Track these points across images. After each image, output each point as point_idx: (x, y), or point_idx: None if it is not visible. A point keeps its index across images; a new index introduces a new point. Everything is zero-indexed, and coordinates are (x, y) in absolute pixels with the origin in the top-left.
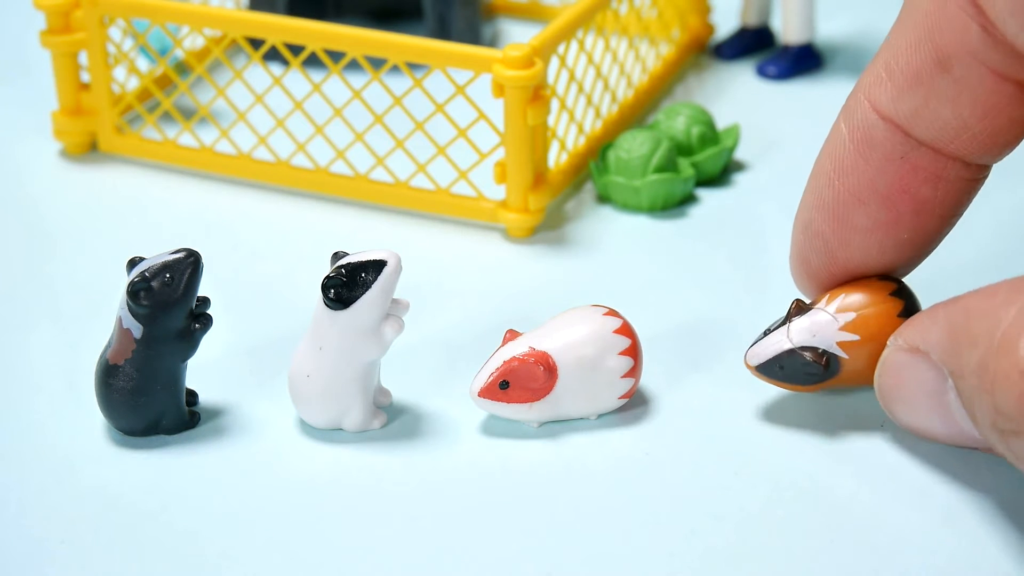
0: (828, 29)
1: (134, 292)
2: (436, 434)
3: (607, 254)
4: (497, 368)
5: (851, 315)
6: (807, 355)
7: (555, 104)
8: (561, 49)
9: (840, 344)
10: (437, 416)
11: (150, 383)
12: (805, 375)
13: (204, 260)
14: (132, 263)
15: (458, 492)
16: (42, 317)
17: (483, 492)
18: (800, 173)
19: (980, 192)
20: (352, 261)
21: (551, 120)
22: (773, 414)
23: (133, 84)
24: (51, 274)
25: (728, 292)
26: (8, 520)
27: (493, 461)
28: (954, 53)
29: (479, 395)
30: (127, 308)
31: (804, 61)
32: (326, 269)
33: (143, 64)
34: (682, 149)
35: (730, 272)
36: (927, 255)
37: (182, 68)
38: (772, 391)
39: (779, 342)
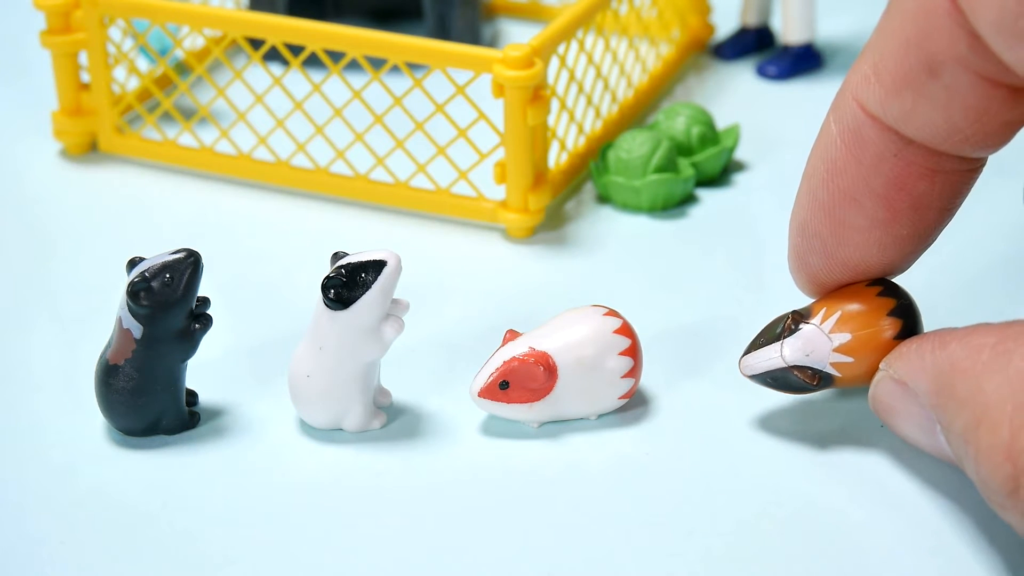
0: (828, 29)
1: (134, 292)
2: (436, 434)
3: (607, 254)
4: (497, 368)
5: (846, 337)
6: (799, 375)
7: (555, 104)
8: (561, 49)
9: (833, 364)
10: (437, 416)
11: (150, 383)
12: (798, 388)
13: (204, 260)
14: (132, 263)
15: (458, 492)
16: (42, 317)
17: (483, 492)
18: (800, 173)
19: (980, 188)
20: (352, 261)
21: (551, 120)
22: (773, 415)
23: (133, 84)
24: (51, 274)
25: (728, 292)
26: (8, 520)
27: (493, 461)
28: (943, 60)
29: (479, 395)
30: (127, 308)
31: (804, 61)
32: (326, 269)
33: (143, 64)
34: (682, 149)
35: (730, 272)
36: (927, 247)
37: (182, 68)
38: (772, 392)
39: (772, 359)
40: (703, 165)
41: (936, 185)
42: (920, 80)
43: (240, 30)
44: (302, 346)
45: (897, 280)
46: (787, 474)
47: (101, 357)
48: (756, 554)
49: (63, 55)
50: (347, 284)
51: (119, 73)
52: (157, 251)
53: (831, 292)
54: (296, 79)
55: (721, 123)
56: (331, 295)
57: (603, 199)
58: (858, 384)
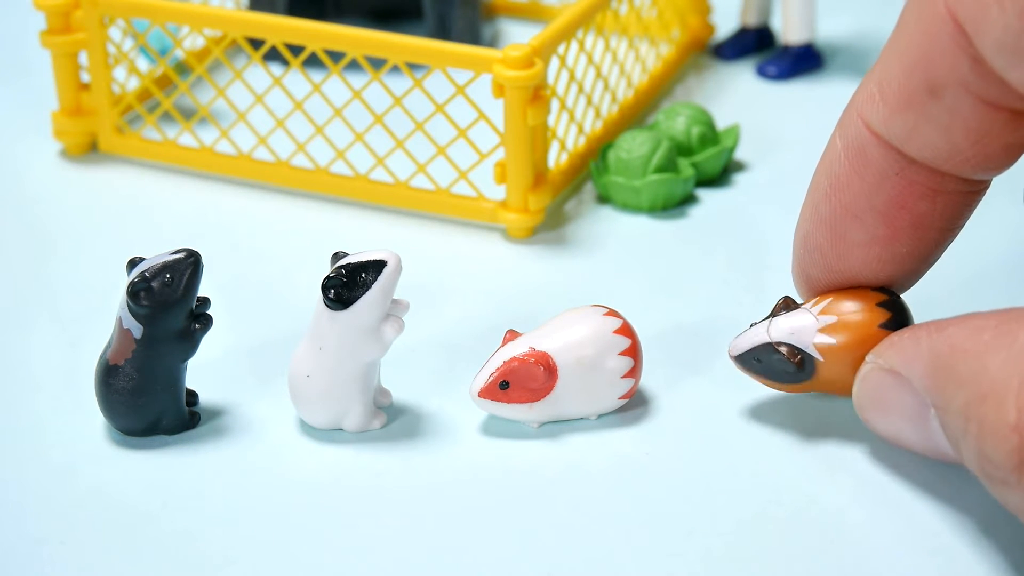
0: (828, 29)
1: (134, 292)
2: (436, 434)
3: (607, 254)
4: (497, 368)
5: (832, 318)
6: (783, 351)
7: (555, 104)
8: (561, 49)
9: (816, 346)
10: (437, 416)
11: (150, 383)
12: (781, 372)
13: (204, 260)
14: (132, 263)
15: (458, 492)
16: (42, 317)
17: (483, 492)
18: (800, 173)
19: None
20: (352, 261)
21: (551, 120)
22: (773, 414)
23: (133, 84)
24: (51, 274)
25: (728, 292)
26: (8, 520)
27: (493, 461)
28: (945, 82)
29: (479, 395)
30: (127, 308)
31: (804, 61)
32: (326, 269)
33: (143, 64)
34: (682, 149)
35: (730, 272)
36: (929, 267)
37: (182, 68)
38: (772, 391)
39: (758, 335)
40: (703, 165)
41: (937, 205)
42: (922, 101)
43: (240, 30)
44: (302, 346)
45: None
46: (787, 474)
47: (101, 357)
48: (756, 554)
49: (63, 55)
50: (347, 284)
51: (119, 73)
52: (157, 251)
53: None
54: (296, 79)
55: (721, 123)
56: (331, 295)
57: (603, 199)
58: (839, 386)
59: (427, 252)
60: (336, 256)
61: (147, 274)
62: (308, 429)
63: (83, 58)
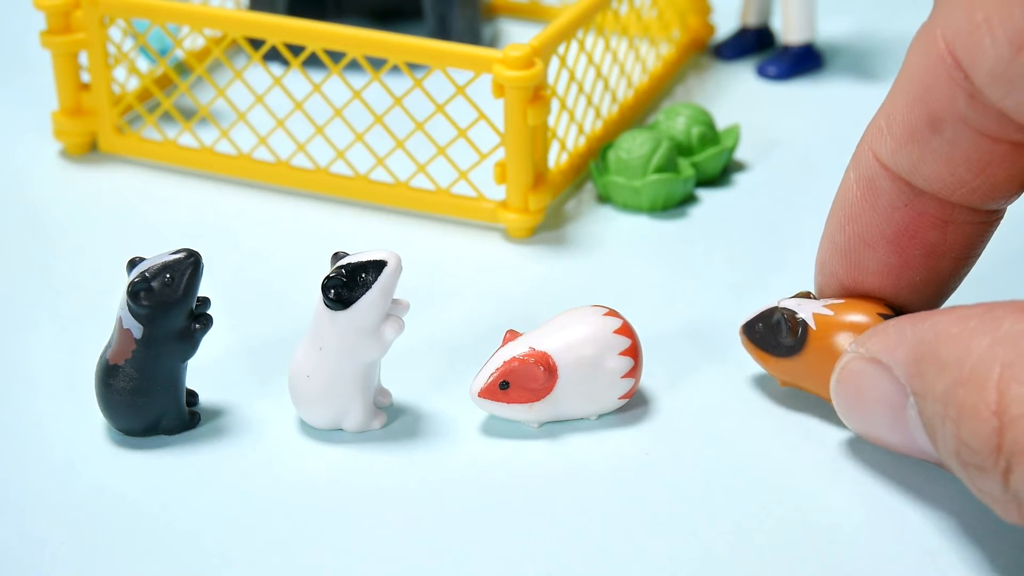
0: (828, 29)
1: (134, 292)
2: (436, 434)
3: (607, 254)
4: (497, 368)
5: (838, 301)
6: (784, 314)
7: (555, 104)
8: (561, 49)
9: (814, 314)
10: (437, 416)
11: (150, 383)
12: (777, 341)
13: (204, 260)
14: (132, 263)
15: (458, 492)
16: (42, 317)
17: (483, 492)
18: (800, 173)
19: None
20: (352, 261)
21: (551, 120)
22: (773, 414)
23: (133, 84)
24: (51, 274)
25: (728, 292)
26: (8, 520)
27: (493, 461)
28: (944, 117)
29: (479, 395)
30: (127, 308)
31: (804, 61)
32: (326, 269)
33: (143, 64)
34: (682, 149)
35: (730, 272)
36: (948, 294)
37: (182, 68)
38: (772, 391)
39: (767, 305)
40: (703, 165)
41: (948, 235)
42: (924, 135)
43: (240, 30)
44: (302, 346)
45: None
46: (787, 474)
47: (101, 357)
48: (756, 554)
49: (63, 55)
50: (347, 284)
51: (119, 73)
52: (157, 251)
53: None
54: (296, 79)
55: (721, 123)
56: (331, 295)
57: (603, 199)
58: (822, 368)
59: (427, 252)
60: (336, 256)
61: (147, 274)
62: (308, 429)
63: (83, 58)
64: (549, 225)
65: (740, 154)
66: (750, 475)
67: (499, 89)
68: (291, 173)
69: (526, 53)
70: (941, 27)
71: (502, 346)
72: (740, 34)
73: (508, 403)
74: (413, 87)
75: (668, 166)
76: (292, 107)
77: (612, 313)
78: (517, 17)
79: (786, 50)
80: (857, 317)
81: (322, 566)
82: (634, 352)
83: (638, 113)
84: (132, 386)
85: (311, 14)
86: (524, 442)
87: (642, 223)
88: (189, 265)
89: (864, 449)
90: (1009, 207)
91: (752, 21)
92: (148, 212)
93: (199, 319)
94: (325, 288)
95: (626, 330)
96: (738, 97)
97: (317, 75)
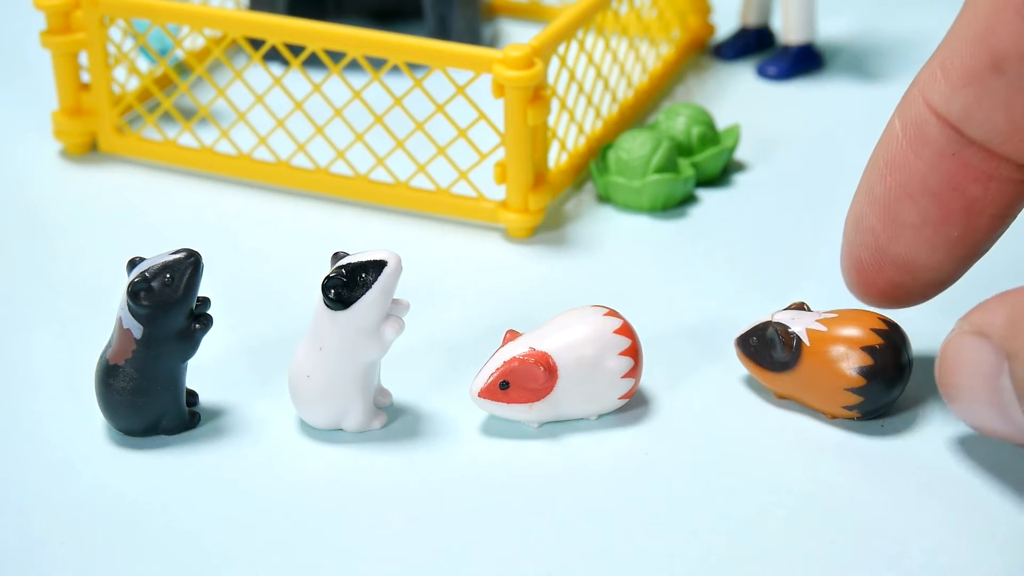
0: (828, 29)
1: (134, 292)
2: (436, 434)
3: (607, 254)
4: (497, 368)
5: (832, 315)
6: (779, 329)
7: (555, 104)
8: (561, 49)
9: (808, 330)
10: (437, 416)
11: (150, 383)
12: (772, 356)
13: (204, 260)
14: (132, 263)
15: (458, 492)
16: (42, 317)
17: (483, 492)
18: (800, 173)
19: None
20: (352, 261)
21: (551, 120)
22: (773, 414)
23: (133, 84)
24: (51, 274)
25: (728, 292)
26: (8, 520)
27: (493, 461)
28: (1008, 56)
29: (479, 395)
30: (127, 308)
31: (804, 61)
32: (326, 269)
33: (143, 64)
34: (682, 149)
35: (730, 272)
36: (979, 256)
37: (182, 68)
38: (771, 392)
39: (761, 319)
40: (703, 165)
41: (990, 190)
42: (984, 76)
43: (240, 30)
44: (302, 346)
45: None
46: (787, 474)
47: (101, 357)
48: (757, 554)
49: (63, 55)
50: (347, 284)
51: (119, 73)
52: (157, 251)
53: None
54: (296, 79)
55: (721, 123)
56: (331, 295)
57: (603, 199)
58: (815, 382)
59: (427, 252)
60: (336, 256)
61: (147, 274)
62: (308, 429)
63: (83, 58)
64: (549, 225)
65: (740, 154)
66: (750, 475)
67: (499, 89)
68: (291, 173)
69: (526, 53)
70: None
71: (502, 346)
72: (740, 34)
73: (508, 403)
74: (413, 87)
75: (668, 166)
76: (292, 107)
77: (612, 313)
78: (517, 17)
79: (786, 50)
80: (851, 331)
81: (322, 566)
82: (634, 352)
83: (638, 113)
84: (132, 386)
85: (311, 14)
86: (524, 442)
87: (642, 223)
88: (189, 265)
89: (865, 449)
90: None
91: (752, 21)
92: (148, 212)
93: (199, 319)
94: (325, 288)
95: (626, 330)
96: (738, 97)
97: (317, 75)
